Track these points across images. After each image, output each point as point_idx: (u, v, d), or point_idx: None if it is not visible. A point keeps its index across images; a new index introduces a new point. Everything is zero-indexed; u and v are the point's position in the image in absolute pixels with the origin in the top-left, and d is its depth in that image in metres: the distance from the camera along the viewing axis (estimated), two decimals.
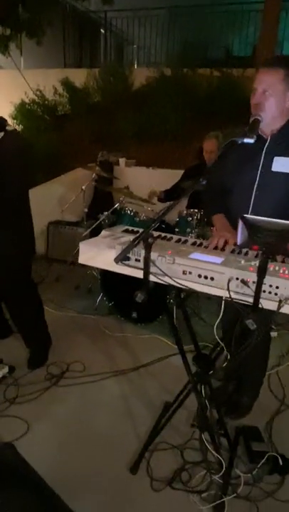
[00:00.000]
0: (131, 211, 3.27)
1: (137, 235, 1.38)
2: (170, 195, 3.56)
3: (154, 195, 3.46)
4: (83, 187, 3.48)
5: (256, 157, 1.70)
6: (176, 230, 2.97)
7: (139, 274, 1.45)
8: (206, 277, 1.35)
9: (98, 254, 1.54)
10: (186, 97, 5.44)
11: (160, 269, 1.37)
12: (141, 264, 1.44)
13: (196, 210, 2.90)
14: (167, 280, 1.39)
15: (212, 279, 1.34)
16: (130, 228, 1.81)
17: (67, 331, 2.82)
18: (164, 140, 5.10)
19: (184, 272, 1.39)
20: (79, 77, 6.58)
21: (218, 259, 1.40)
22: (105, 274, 3.01)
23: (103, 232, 1.71)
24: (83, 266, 3.89)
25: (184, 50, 7.46)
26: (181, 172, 4.30)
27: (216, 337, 1.55)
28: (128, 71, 6.39)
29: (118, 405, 2.16)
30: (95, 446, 1.89)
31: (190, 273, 1.38)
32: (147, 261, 1.38)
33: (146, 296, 1.36)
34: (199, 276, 1.36)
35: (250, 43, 8.22)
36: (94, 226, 3.32)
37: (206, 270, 1.35)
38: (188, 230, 2.87)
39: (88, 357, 2.54)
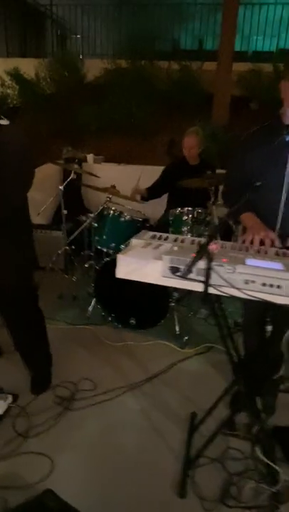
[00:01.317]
0: (115, 211, 3.10)
1: (199, 244, 1.25)
2: (153, 193, 3.44)
3: (137, 194, 3.31)
4: (61, 187, 3.22)
5: (282, 155, 1.65)
6: (171, 229, 2.86)
7: (193, 286, 1.33)
8: (271, 285, 1.27)
9: (142, 266, 1.38)
10: (147, 90, 5.32)
11: (227, 281, 1.26)
12: (195, 275, 1.32)
13: (190, 209, 2.81)
14: (231, 292, 1.28)
15: (278, 286, 1.26)
16: (158, 234, 1.67)
17: (64, 346, 2.59)
18: (129, 134, 4.93)
19: (246, 282, 1.29)
20: (25, 67, 6.12)
21: (278, 265, 1.33)
22: (98, 281, 2.81)
23: (135, 241, 1.55)
24: (63, 272, 3.67)
25: (132, 42, 7.31)
26: (155, 168, 4.16)
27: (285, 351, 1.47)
28: (80, 62, 6.09)
29: (141, 422, 2.02)
30: (131, 471, 1.74)
31: (253, 282, 1.29)
32: (209, 272, 1.26)
33: (210, 311, 1.25)
34: (264, 284, 1.27)
35: (196, 36, 8.32)
36: (82, 228, 3.10)
37: (270, 278, 1.27)
38: (185, 229, 2.77)
39: (95, 372, 2.35)
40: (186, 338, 2.66)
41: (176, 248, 1.44)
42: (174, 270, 1.33)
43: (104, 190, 2.97)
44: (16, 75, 5.76)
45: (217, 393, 2.21)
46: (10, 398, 2.04)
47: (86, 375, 2.31)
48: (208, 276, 1.27)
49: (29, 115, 5.54)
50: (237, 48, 7.85)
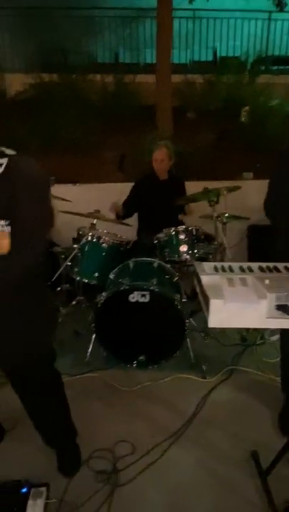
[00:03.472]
0: (93, 237, 2.81)
1: None
2: (128, 210, 3.22)
3: (116, 208, 3.08)
4: None
5: None
6: (166, 250, 2.65)
7: None
8: None
9: (244, 310, 1.16)
10: (82, 104, 5.04)
11: None
12: None
13: (183, 226, 2.64)
14: None
15: None
16: (220, 264, 1.46)
17: (76, 403, 2.11)
18: (73, 152, 4.59)
19: None
20: None
21: None
22: (99, 319, 2.46)
23: (207, 279, 1.32)
24: None
25: (47, 55, 6.94)
26: (114, 185, 3.98)
27: None
28: None
29: (204, 478, 1.76)
30: None
31: None
32: None
33: None
34: None
35: (113, 49, 8.25)
36: (68, 262, 2.71)
37: None
38: (185, 248, 2.58)
39: (126, 429, 2.02)
40: (205, 366, 2.47)
41: (267, 282, 1.25)
42: (284, 309, 1.15)
43: (88, 215, 2.64)
44: None
45: (261, 420, 2.10)
46: (44, 491, 1.62)
47: (117, 435, 1.97)
48: None
49: None
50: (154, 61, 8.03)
